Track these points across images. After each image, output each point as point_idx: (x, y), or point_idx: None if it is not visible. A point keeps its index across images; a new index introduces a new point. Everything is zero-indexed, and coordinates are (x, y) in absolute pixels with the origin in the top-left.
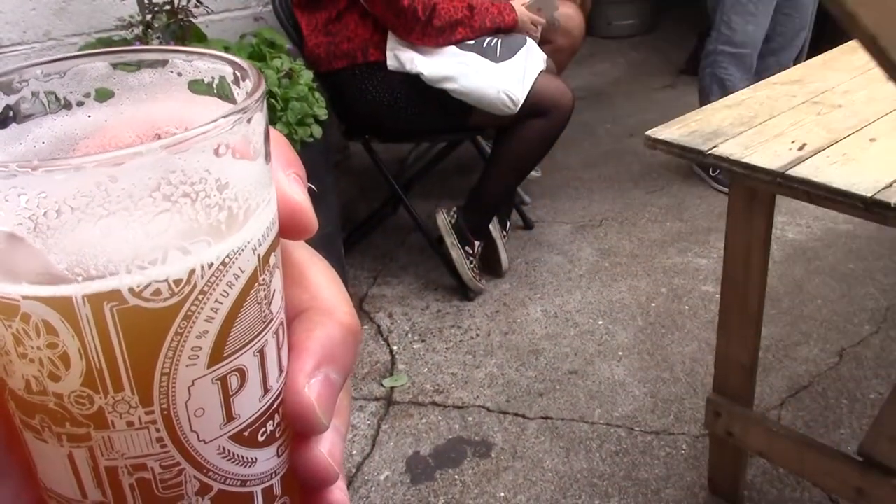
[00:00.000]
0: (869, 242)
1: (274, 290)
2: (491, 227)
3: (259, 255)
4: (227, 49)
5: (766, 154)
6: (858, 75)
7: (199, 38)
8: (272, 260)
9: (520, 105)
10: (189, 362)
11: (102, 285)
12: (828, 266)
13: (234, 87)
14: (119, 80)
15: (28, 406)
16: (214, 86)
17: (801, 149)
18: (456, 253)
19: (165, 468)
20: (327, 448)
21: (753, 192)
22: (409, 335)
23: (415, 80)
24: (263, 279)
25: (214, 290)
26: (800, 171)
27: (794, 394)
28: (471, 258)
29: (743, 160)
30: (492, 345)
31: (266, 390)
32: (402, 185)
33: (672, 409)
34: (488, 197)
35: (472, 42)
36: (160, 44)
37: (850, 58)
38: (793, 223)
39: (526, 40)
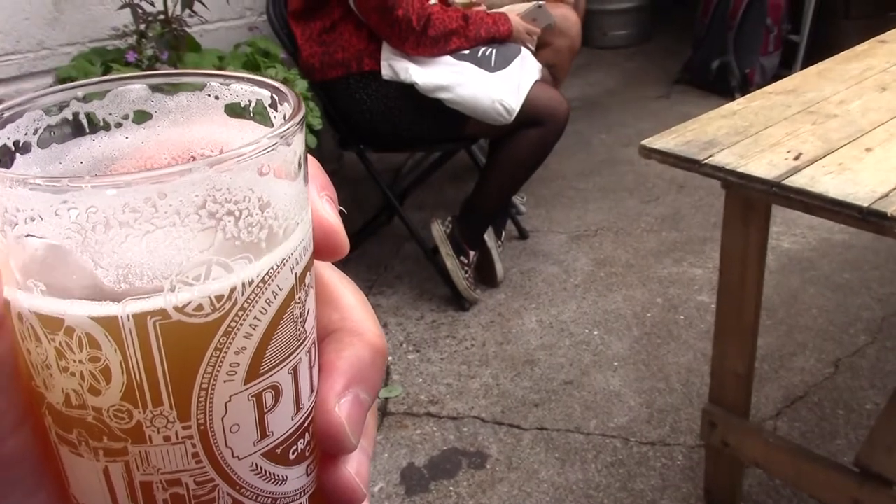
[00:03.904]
0: (864, 252)
1: (308, 309)
2: (486, 236)
3: (296, 274)
4: (221, 59)
5: (762, 164)
6: (853, 85)
7: (194, 47)
8: (308, 279)
9: (514, 115)
10: (227, 378)
11: (147, 299)
12: (823, 276)
13: (270, 111)
14: (157, 102)
15: (66, 420)
16: (251, 109)
17: (796, 158)
18: (451, 263)
19: (199, 484)
20: (355, 468)
21: (749, 201)
22: (404, 345)
23: (409, 89)
24: (299, 297)
25: (254, 306)
26: (795, 181)
27: (789, 404)
28: (466, 268)
29: (738, 170)
30: (487, 355)
31: (298, 408)
32: (396, 194)
33: (668, 420)
34: (483, 207)
35: (466, 52)
36: (154, 53)
37: (845, 67)
38: (788, 233)
39: (521, 50)
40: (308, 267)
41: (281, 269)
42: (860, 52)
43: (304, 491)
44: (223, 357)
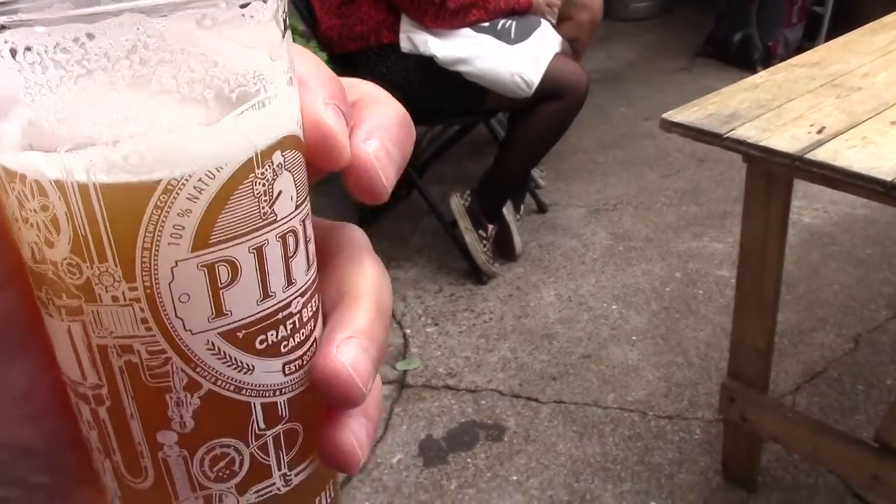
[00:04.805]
0: (887, 227)
1: (280, 192)
2: (505, 210)
3: (256, 147)
4: None
5: (784, 137)
6: (879, 57)
7: None
8: (278, 159)
9: (534, 87)
10: (171, 241)
11: (85, 147)
12: (844, 251)
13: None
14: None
15: (36, 277)
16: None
17: (819, 132)
18: (469, 237)
19: (152, 354)
20: (350, 357)
21: (771, 175)
22: (423, 318)
23: (428, 62)
24: (262, 174)
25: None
26: (818, 155)
27: (809, 379)
28: (484, 242)
29: (760, 143)
30: (505, 328)
31: (267, 295)
32: (415, 168)
33: (686, 394)
34: (502, 180)
35: (486, 24)
36: None
37: (871, 40)
38: (809, 208)
39: (541, 22)
40: (281, 147)
41: (233, 134)
42: (886, 24)
43: (278, 390)
44: (165, 217)
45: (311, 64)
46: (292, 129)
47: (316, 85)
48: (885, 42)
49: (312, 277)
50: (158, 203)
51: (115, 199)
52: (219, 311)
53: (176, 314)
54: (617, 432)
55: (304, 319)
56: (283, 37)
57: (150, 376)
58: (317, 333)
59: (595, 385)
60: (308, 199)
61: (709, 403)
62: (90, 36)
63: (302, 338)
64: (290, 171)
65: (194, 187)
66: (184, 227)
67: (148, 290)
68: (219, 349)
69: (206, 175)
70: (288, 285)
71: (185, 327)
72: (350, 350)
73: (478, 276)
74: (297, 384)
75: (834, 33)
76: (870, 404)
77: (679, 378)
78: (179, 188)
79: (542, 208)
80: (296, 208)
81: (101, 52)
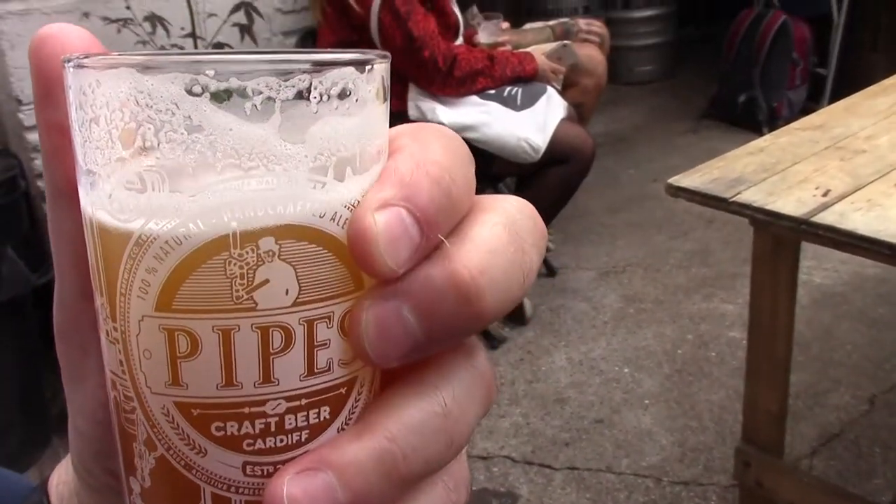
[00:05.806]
0: None
1: (265, 280)
2: None
3: (233, 226)
4: None
5: (790, 201)
6: (881, 120)
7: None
8: (269, 246)
9: (541, 152)
10: (139, 294)
11: (90, 184)
12: (856, 311)
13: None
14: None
15: None
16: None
17: (825, 195)
18: None
19: (126, 398)
20: (298, 492)
21: (778, 239)
22: None
23: None
24: (241, 255)
25: (166, 227)
26: (824, 218)
27: (825, 442)
28: None
29: (766, 207)
30: (516, 393)
31: (230, 383)
32: None
33: (701, 459)
34: None
35: (492, 91)
36: None
37: (873, 102)
38: (819, 267)
39: (546, 88)
40: (276, 234)
41: (209, 207)
42: (888, 86)
43: (235, 487)
44: (136, 269)
45: (414, 162)
46: (308, 220)
47: (390, 184)
48: (887, 105)
49: (317, 388)
50: (131, 254)
51: (106, 238)
52: (175, 379)
53: (140, 368)
54: (632, 499)
55: (288, 427)
56: (318, 121)
57: (125, 419)
58: (312, 447)
59: (608, 450)
60: (338, 304)
61: (724, 468)
62: (98, 83)
63: (278, 444)
64: (289, 263)
65: (161, 248)
66: (150, 285)
67: (123, 335)
68: (173, 418)
69: (172, 239)
70: (263, 382)
71: (146, 383)
72: (303, 483)
73: (488, 340)
74: (255, 490)
75: (838, 93)
76: (888, 467)
77: (693, 442)
78: (148, 244)
79: (551, 271)
80: (293, 304)
81: (104, 101)
